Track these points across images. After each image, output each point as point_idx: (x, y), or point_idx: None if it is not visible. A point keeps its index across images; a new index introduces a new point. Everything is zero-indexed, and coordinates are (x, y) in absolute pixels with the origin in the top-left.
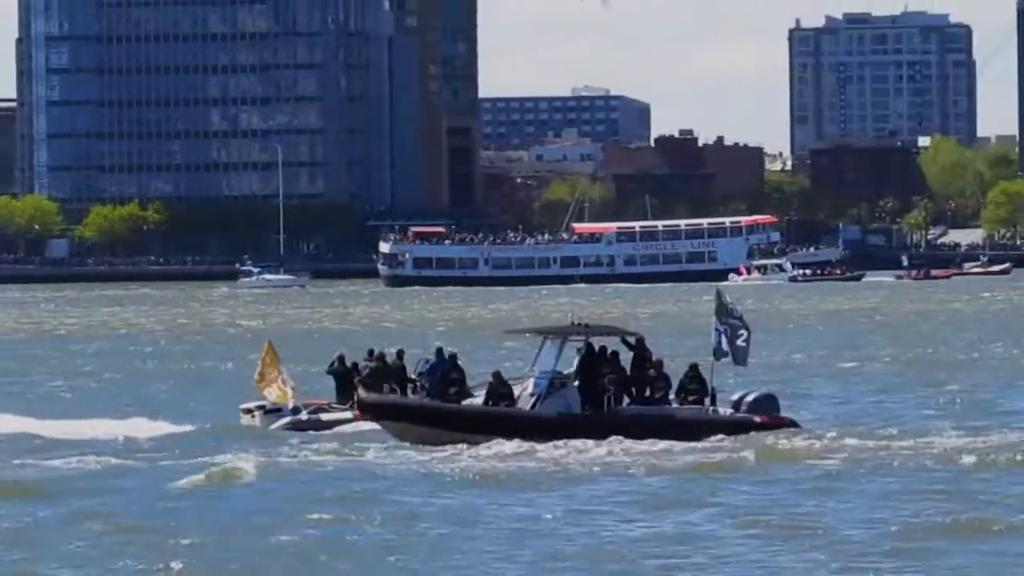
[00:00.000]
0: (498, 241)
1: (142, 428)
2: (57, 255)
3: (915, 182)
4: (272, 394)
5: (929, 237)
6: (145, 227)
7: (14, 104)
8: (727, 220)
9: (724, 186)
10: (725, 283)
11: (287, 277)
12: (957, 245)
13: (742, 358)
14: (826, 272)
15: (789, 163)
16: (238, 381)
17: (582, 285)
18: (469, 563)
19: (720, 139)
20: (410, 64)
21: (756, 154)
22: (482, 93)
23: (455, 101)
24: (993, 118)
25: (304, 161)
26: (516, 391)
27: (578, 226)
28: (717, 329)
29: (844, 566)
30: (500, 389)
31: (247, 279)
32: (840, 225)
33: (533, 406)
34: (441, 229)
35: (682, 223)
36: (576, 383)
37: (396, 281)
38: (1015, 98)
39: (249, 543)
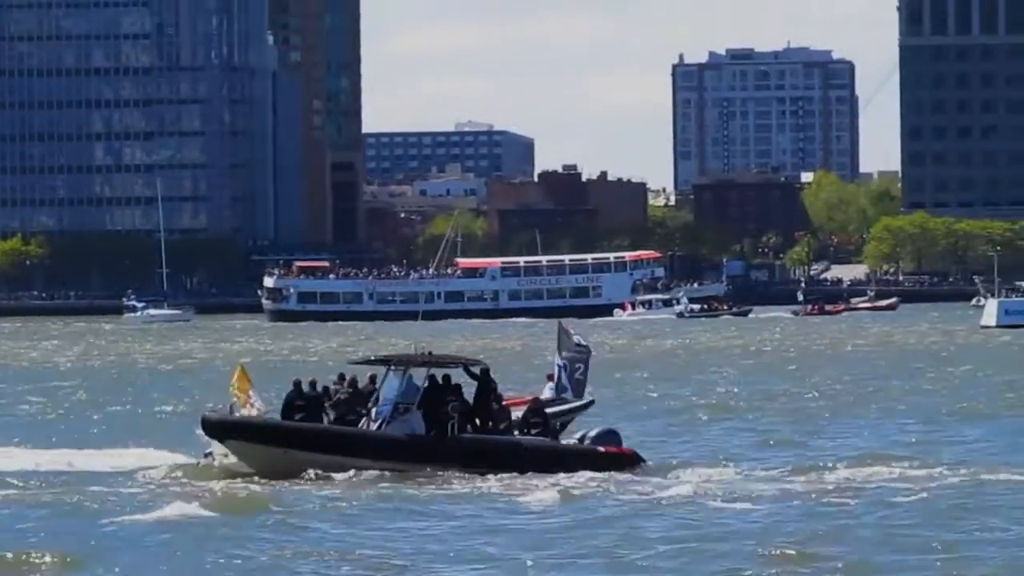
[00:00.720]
0: (382, 276)
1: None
2: None
3: (798, 217)
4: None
5: (812, 272)
6: (28, 261)
7: None
8: (611, 255)
9: (608, 221)
10: (611, 318)
11: (172, 312)
12: (840, 280)
13: (579, 391)
14: (713, 307)
15: (672, 198)
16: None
17: (422, 321)
18: None
19: (604, 174)
20: (294, 99)
21: (639, 189)
22: (366, 128)
23: (339, 136)
24: (875, 154)
25: (187, 196)
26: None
27: (462, 261)
28: (558, 364)
29: None
30: (348, 416)
31: (132, 314)
32: (724, 260)
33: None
34: (325, 264)
35: (566, 258)
36: (420, 411)
37: (280, 316)
38: (897, 134)
39: None
